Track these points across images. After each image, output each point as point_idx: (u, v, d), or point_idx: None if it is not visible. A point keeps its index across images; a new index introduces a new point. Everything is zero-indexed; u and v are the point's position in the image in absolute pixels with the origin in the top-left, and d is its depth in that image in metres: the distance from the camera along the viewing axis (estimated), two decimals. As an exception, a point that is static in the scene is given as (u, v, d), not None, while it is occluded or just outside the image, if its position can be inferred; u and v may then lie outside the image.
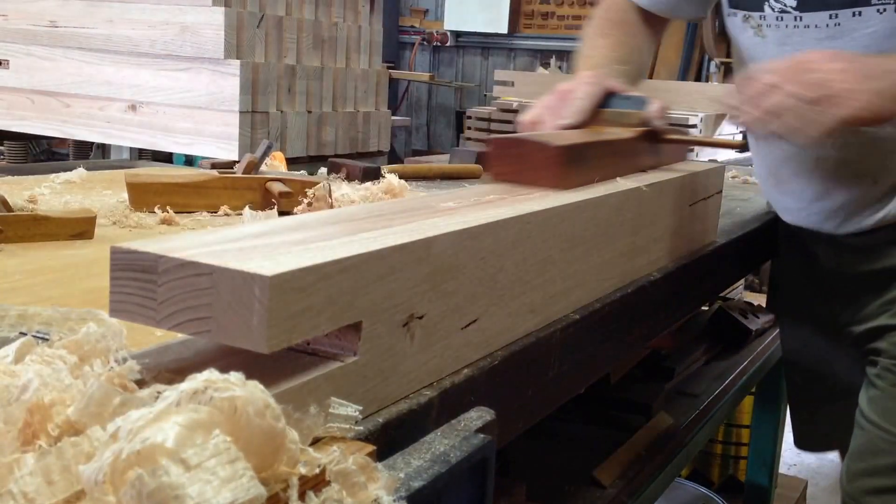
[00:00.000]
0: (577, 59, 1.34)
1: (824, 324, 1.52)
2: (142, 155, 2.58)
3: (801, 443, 1.71)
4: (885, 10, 1.17)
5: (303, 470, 0.44)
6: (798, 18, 1.24)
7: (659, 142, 1.15)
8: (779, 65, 1.06)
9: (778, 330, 1.76)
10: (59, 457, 0.42)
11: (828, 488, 3.16)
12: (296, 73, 2.42)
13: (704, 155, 2.79)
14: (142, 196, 1.25)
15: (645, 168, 1.10)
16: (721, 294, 2.29)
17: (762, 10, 1.28)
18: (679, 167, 1.18)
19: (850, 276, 1.40)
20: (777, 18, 1.27)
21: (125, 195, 1.34)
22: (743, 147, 1.43)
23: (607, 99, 1.14)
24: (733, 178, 2.16)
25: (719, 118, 2.84)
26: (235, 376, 0.43)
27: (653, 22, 1.43)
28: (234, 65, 2.23)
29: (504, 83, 3.96)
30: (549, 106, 1.13)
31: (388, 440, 0.56)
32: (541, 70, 7.02)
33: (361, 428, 0.54)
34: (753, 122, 1.04)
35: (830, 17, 1.21)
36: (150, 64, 2.35)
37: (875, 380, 1.37)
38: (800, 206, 1.40)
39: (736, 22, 1.34)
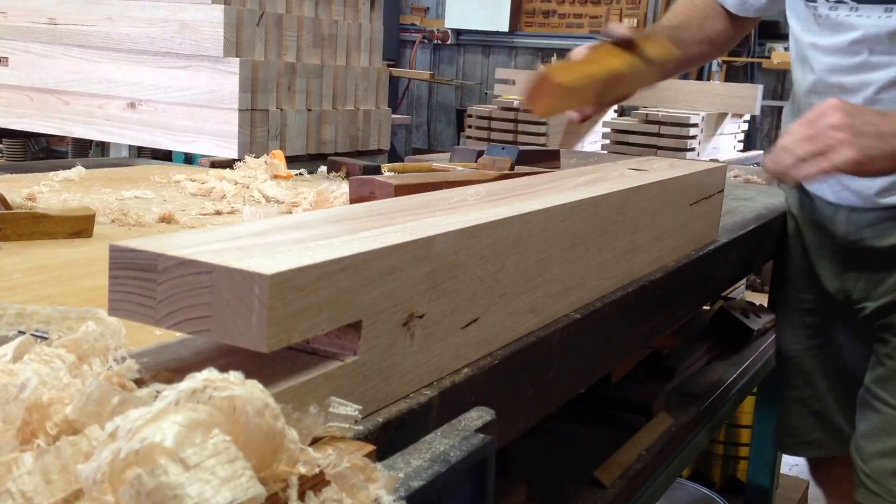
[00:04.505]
0: None
1: (834, 302, 1.57)
2: (141, 153, 2.58)
3: (784, 443, 1.77)
4: None
5: (302, 469, 0.43)
6: (853, 9, 1.33)
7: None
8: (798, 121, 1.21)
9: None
10: (57, 456, 0.42)
11: (828, 488, 3.15)
12: (296, 70, 2.42)
13: (706, 154, 2.79)
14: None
15: None
16: (723, 294, 2.29)
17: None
18: (681, 166, 1.18)
19: (869, 249, 1.45)
20: (830, 8, 1.36)
21: (125, 193, 1.33)
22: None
23: None
24: (735, 177, 2.16)
25: (720, 117, 2.83)
26: (235, 375, 0.42)
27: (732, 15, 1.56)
28: (234, 62, 2.22)
29: (505, 81, 3.95)
30: None
31: (387, 440, 0.56)
32: (542, 68, 7.00)
33: (361, 427, 0.54)
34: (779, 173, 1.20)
35: (885, 10, 1.30)
36: (149, 61, 2.34)
37: (885, 359, 1.41)
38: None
39: (798, 8, 1.44)
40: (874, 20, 1.31)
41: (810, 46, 1.43)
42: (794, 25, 1.47)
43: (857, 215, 1.46)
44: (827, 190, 1.50)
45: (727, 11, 1.56)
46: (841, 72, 1.37)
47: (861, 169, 1.15)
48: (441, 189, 0.94)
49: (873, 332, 1.49)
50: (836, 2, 1.35)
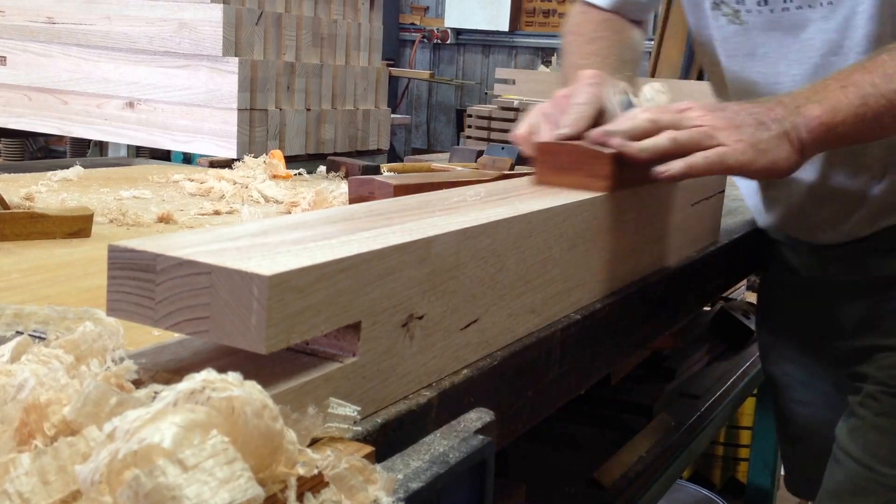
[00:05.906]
0: (564, 73, 1.18)
1: (809, 342, 1.43)
2: (139, 153, 2.58)
3: (791, 485, 1.59)
4: None
5: (301, 471, 0.43)
6: None
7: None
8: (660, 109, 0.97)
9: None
10: (55, 457, 0.41)
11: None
12: (295, 70, 2.42)
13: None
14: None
15: None
16: (723, 294, 2.29)
17: None
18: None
19: (835, 286, 1.31)
20: (759, 3, 1.16)
21: (123, 193, 1.33)
22: None
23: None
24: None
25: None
26: (233, 376, 0.42)
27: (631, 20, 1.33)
28: (233, 62, 2.22)
29: (505, 81, 3.95)
30: (546, 113, 0.99)
31: (386, 441, 0.56)
32: (542, 68, 7.01)
33: (360, 428, 0.53)
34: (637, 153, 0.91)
35: None
36: (148, 61, 2.34)
37: (857, 408, 1.26)
38: (788, 213, 1.31)
39: (704, 13, 1.23)
40: (818, 10, 1.13)
41: (730, 52, 1.23)
42: (704, 31, 1.26)
43: (821, 252, 1.32)
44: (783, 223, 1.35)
45: (623, 16, 1.31)
46: (794, 82, 1.16)
47: (753, 161, 0.91)
48: (441, 189, 0.93)
49: (846, 380, 1.33)
50: None
